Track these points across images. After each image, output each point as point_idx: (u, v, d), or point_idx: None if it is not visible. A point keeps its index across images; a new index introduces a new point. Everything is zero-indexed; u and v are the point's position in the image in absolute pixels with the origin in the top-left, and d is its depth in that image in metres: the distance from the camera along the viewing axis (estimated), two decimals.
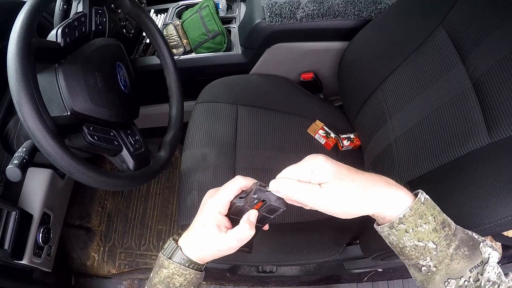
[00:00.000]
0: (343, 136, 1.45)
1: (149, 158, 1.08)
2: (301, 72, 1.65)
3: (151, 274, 0.75)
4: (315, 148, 1.44)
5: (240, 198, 0.72)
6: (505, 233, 1.55)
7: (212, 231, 0.70)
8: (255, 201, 0.69)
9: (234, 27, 1.72)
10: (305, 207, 0.66)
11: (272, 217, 0.72)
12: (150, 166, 1.07)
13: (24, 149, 0.93)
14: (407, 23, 1.22)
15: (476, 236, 0.63)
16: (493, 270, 0.60)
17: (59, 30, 0.92)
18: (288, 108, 1.52)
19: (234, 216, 0.74)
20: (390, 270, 1.77)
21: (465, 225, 0.79)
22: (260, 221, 0.73)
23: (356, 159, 1.44)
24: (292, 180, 0.64)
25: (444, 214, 0.62)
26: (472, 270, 0.59)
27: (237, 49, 1.63)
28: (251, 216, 0.69)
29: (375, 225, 0.66)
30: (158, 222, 1.98)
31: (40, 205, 1.38)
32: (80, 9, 1.03)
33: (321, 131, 1.43)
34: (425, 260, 0.60)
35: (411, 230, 0.59)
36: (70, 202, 1.85)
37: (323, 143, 1.44)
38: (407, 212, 0.59)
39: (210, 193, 0.77)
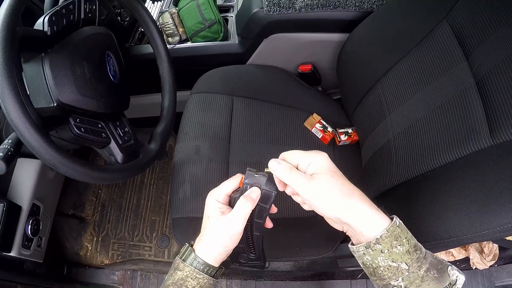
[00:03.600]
0: (340, 130, 1.41)
1: (139, 151, 1.06)
2: (299, 63, 1.61)
3: (165, 277, 0.76)
4: (311, 142, 1.40)
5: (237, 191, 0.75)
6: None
7: (217, 217, 0.73)
8: (248, 188, 0.73)
9: (232, 16, 1.68)
10: (296, 200, 0.74)
11: (267, 206, 0.74)
12: (139, 159, 1.04)
13: (9, 141, 0.91)
14: (410, 16, 1.18)
15: (445, 261, 0.66)
16: None
17: (46, 18, 0.89)
18: (285, 100, 1.48)
19: None
20: None
21: (462, 230, 0.78)
22: (258, 216, 0.76)
23: (353, 154, 1.41)
24: (289, 164, 0.69)
25: (415, 239, 0.65)
26: None
27: (234, 39, 1.59)
28: (250, 191, 0.72)
29: (349, 245, 0.69)
30: (152, 213, 1.96)
31: (29, 196, 1.36)
32: None
33: (318, 125, 1.40)
34: (397, 280, 0.62)
35: (386, 250, 0.62)
36: (64, 191, 1.84)
37: (320, 137, 1.41)
38: (384, 233, 0.62)
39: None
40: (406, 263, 0.61)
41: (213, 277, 0.75)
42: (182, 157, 1.34)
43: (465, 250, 1.67)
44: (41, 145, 0.78)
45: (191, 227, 1.21)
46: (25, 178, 1.36)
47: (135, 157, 1.04)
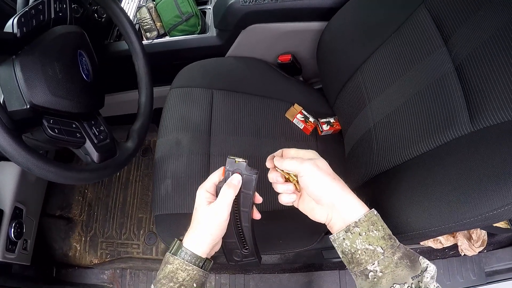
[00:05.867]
0: (322, 120, 1.41)
1: (115, 149, 1.04)
2: (279, 54, 1.60)
3: (157, 272, 0.79)
4: (293, 133, 1.40)
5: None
6: None
7: (203, 207, 0.78)
8: (230, 174, 0.78)
9: (210, 8, 1.66)
10: (277, 189, 0.81)
11: (250, 192, 0.78)
12: (115, 158, 1.03)
13: None
14: (387, 2, 1.18)
15: (416, 253, 0.71)
16: (431, 280, 0.67)
17: (15, 20, 0.88)
18: (265, 91, 1.47)
19: None
20: None
21: (443, 219, 0.78)
22: (244, 204, 0.80)
23: (336, 144, 1.40)
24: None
25: (390, 231, 0.71)
26: (414, 278, 0.66)
27: (212, 32, 1.57)
28: (231, 178, 0.78)
29: (330, 236, 0.75)
30: (139, 210, 1.95)
31: (10, 199, 1.35)
32: None
33: (299, 115, 1.39)
34: (373, 264, 0.68)
35: (364, 233, 0.69)
36: (49, 192, 1.85)
37: (301, 128, 1.40)
38: (362, 217, 0.70)
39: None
40: (381, 247, 0.67)
41: (202, 268, 0.78)
42: (163, 152, 1.33)
43: (453, 237, 1.67)
44: (13, 148, 0.77)
45: (174, 223, 1.20)
46: (6, 182, 1.35)
47: (112, 156, 1.02)
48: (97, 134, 1.00)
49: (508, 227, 1.39)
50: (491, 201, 0.70)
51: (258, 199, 0.83)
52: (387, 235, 0.69)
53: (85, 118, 1.01)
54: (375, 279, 0.67)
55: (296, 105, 1.42)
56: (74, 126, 0.96)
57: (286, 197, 0.81)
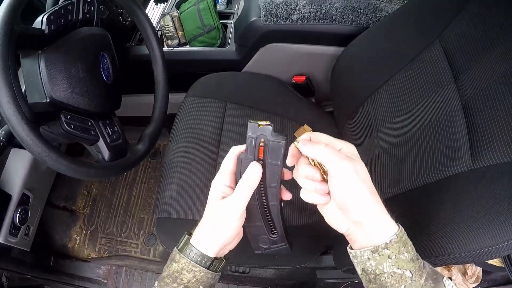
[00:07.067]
0: None
1: (126, 150, 1.08)
2: (294, 74, 1.63)
3: (163, 268, 0.72)
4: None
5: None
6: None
7: (216, 201, 0.69)
8: (253, 142, 0.64)
9: (231, 23, 1.70)
10: (300, 181, 0.65)
11: (279, 163, 0.65)
12: (125, 158, 1.07)
13: (2, 132, 0.95)
14: (404, 34, 1.20)
15: (439, 272, 0.64)
16: None
17: (44, 18, 0.92)
18: (277, 109, 1.50)
19: None
20: None
21: (436, 253, 0.78)
22: (271, 179, 0.67)
23: None
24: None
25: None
26: None
27: (231, 46, 1.61)
28: (249, 168, 0.65)
29: (348, 249, 0.65)
30: (141, 211, 1.99)
31: (19, 186, 1.38)
32: None
33: None
34: None
35: (394, 256, 0.59)
36: (57, 183, 1.88)
37: None
38: (394, 238, 0.59)
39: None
40: (410, 271, 0.59)
41: (211, 270, 0.70)
42: (171, 158, 1.36)
43: (448, 270, 1.65)
44: (30, 138, 0.81)
45: (175, 227, 1.23)
46: (17, 168, 1.38)
47: (122, 156, 1.06)
48: (110, 134, 1.04)
49: (503, 265, 1.40)
50: (482, 239, 0.70)
51: (287, 174, 0.70)
52: (415, 255, 0.61)
53: (101, 117, 1.05)
54: None
55: (305, 126, 1.45)
56: (89, 124, 1.00)
57: (317, 197, 0.65)
